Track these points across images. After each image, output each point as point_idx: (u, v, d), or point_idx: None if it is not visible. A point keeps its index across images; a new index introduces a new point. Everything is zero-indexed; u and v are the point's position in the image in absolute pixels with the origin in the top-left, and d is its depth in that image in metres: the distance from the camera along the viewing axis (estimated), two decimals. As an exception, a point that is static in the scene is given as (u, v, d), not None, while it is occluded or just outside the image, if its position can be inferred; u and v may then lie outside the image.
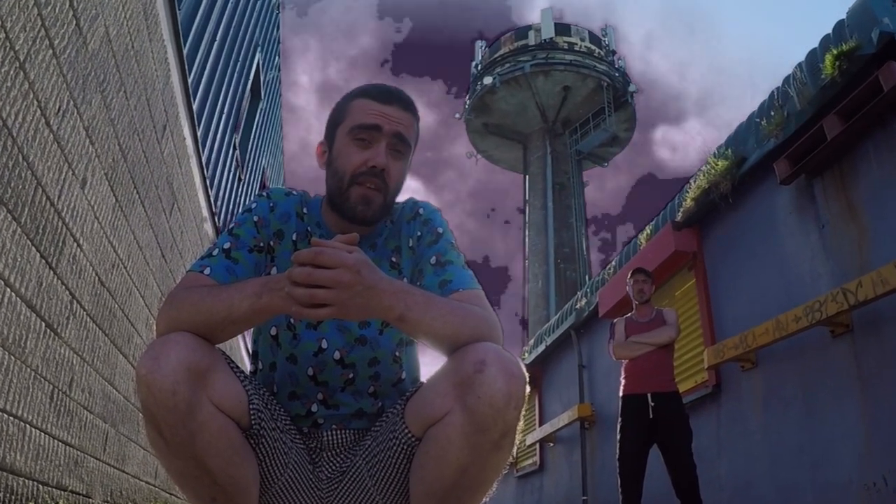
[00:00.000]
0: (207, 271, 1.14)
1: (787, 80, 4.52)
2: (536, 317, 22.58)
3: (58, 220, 1.97)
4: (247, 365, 1.75)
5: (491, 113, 28.07)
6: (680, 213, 5.67)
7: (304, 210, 1.32)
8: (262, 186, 9.95)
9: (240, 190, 7.91)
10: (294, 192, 1.34)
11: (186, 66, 3.97)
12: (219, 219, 5.99)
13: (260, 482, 1.12)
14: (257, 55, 8.09)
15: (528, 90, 26.95)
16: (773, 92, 4.72)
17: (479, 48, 30.40)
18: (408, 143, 1.26)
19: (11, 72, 1.61)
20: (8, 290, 1.64)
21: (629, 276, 4.21)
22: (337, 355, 1.23)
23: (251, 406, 1.07)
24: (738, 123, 5.22)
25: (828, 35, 4.15)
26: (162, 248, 3.46)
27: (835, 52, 3.87)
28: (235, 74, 6.60)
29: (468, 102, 28.74)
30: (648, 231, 6.52)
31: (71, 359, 2.13)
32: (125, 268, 2.77)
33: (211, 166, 5.63)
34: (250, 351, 1.35)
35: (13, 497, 1.68)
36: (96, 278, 2.38)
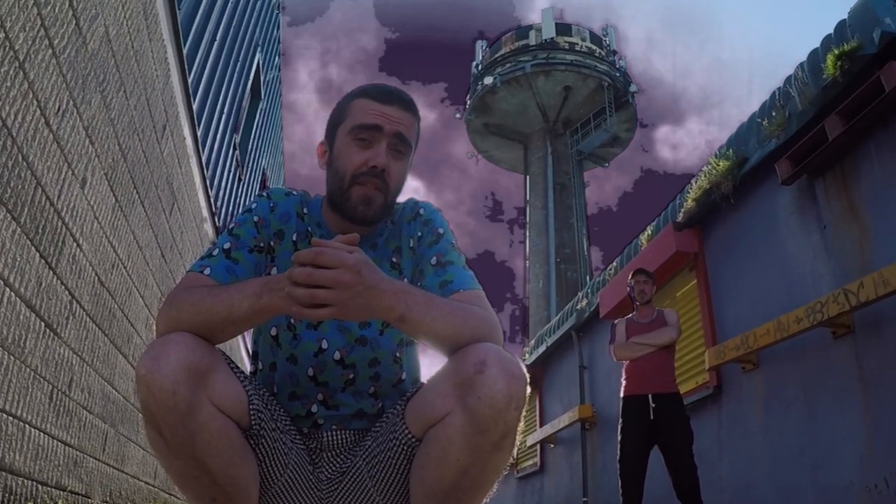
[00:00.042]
0: (207, 271, 1.13)
1: (788, 80, 4.51)
2: (537, 317, 22.58)
3: (57, 220, 1.97)
4: (247, 365, 1.75)
5: (492, 113, 28.08)
6: (681, 214, 5.67)
7: (305, 210, 1.32)
8: (263, 186, 9.96)
9: (240, 190, 7.91)
10: (294, 193, 1.34)
11: (186, 66, 3.97)
12: (219, 219, 5.99)
13: (260, 483, 1.12)
14: (257, 55, 8.09)
15: (529, 90, 26.96)
16: (774, 92, 4.71)
17: (480, 48, 30.41)
18: (408, 143, 1.25)
19: (11, 71, 1.60)
20: (7, 290, 1.64)
21: (630, 276, 4.20)
22: (337, 356, 1.23)
23: (251, 406, 1.07)
24: (740, 123, 5.22)
25: (829, 35, 4.15)
26: (162, 249, 3.46)
27: (836, 52, 3.86)
28: (235, 74, 6.60)
29: (469, 102, 28.75)
30: (649, 231, 6.51)
31: (70, 359, 2.13)
32: (125, 268, 2.77)
33: (211, 166, 5.63)
34: (250, 351, 1.34)
35: (12, 497, 1.67)
36: (96, 278, 2.37)
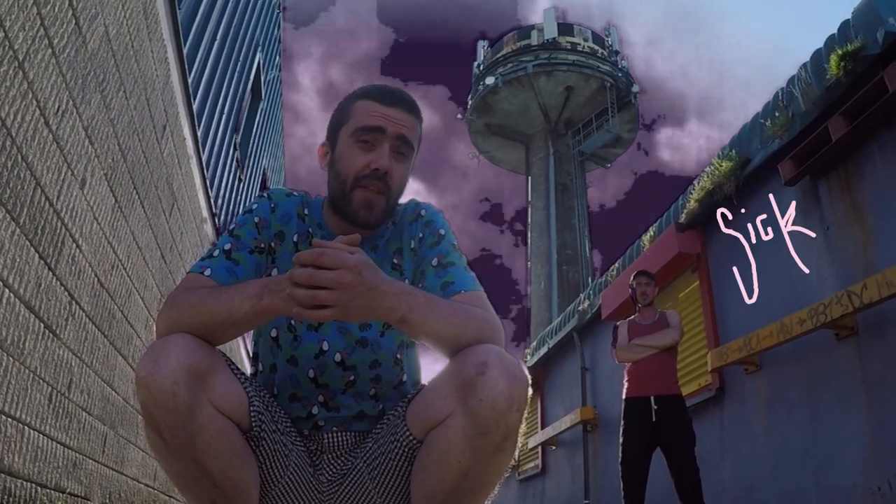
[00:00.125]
0: (208, 272, 1.13)
1: (791, 80, 4.50)
2: (539, 319, 22.57)
3: (57, 220, 1.96)
4: (247, 367, 1.74)
5: (493, 113, 28.08)
6: (683, 215, 5.66)
7: (306, 211, 1.31)
8: (263, 187, 9.96)
9: (240, 190, 7.90)
10: (295, 193, 1.34)
11: (186, 66, 3.96)
12: (219, 219, 5.98)
13: (260, 484, 1.12)
14: (258, 55, 8.09)
15: (531, 90, 26.96)
16: (777, 92, 4.71)
17: (482, 48, 30.41)
18: (411, 145, 1.25)
19: (10, 71, 1.59)
20: (6, 290, 1.63)
21: (632, 278, 4.19)
22: (338, 357, 1.22)
23: (251, 408, 1.06)
24: (743, 124, 5.21)
25: (833, 35, 4.14)
26: (161, 249, 3.45)
27: (840, 52, 3.85)
28: (236, 74, 6.60)
29: (470, 103, 28.75)
30: (652, 233, 6.50)
31: (70, 360, 2.12)
32: (124, 269, 2.76)
33: (211, 167, 5.62)
34: (251, 353, 1.34)
35: (11, 499, 1.67)
36: (95, 279, 2.36)
